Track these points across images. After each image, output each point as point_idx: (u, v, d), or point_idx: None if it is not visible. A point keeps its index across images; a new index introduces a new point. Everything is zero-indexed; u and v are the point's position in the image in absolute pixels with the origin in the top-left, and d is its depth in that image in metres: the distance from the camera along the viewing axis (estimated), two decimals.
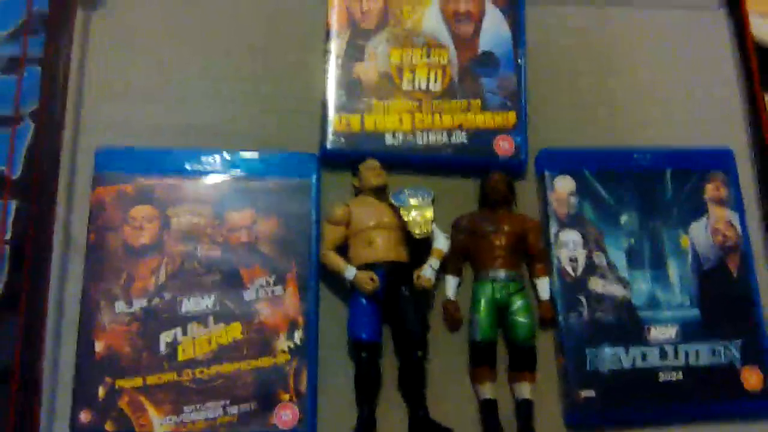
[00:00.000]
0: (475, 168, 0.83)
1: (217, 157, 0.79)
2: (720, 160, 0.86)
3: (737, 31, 0.94)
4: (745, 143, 0.89)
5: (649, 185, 0.83)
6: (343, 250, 0.77)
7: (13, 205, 0.81)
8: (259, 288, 0.74)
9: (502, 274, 0.77)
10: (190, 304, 0.73)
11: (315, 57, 0.85)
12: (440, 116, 0.83)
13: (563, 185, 0.82)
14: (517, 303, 0.76)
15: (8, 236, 0.79)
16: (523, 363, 0.75)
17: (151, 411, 0.70)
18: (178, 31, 0.86)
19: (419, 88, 0.84)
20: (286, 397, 0.72)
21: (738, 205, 0.84)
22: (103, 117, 0.81)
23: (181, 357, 0.72)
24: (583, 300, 0.78)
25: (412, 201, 0.78)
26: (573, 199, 0.82)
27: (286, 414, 0.71)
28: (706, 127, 0.89)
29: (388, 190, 0.79)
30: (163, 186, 0.77)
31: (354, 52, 0.85)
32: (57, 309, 0.74)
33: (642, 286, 0.79)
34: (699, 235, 0.82)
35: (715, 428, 0.77)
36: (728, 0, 0.95)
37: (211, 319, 0.73)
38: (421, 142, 0.82)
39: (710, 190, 0.84)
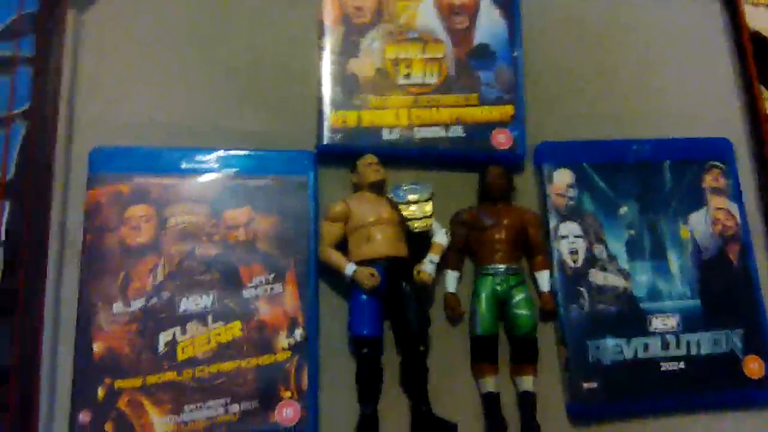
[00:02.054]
0: (473, 162, 0.82)
1: (214, 155, 0.78)
2: (718, 151, 0.86)
3: (732, 21, 0.94)
4: (743, 133, 0.90)
5: (647, 176, 0.83)
6: (342, 246, 0.76)
7: (7, 206, 0.80)
8: (258, 286, 0.74)
9: (502, 267, 0.77)
10: (188, 303, 0.73)
11: (311, 54, 0.85)
12: (437, 110, 0.83)
13: (562, 178, 0.82)
14: (518, 296, 0.76)
15: (2, 238, 0.78)
16: (525, 355, 0.75)
17: (152, 411, 0.69)
18: (171, 30, 0.85)
19: (415, 83, 0.84)
20: (288, 394, 0.71)
21: (737, 195, 0.84)
22: (96, 117, 0.81)
23: (180, 356, 0.71)
24: (584, 292, 0.78)
25: (411, 196, 0.77)
26: (572, 192, 0.81)
27: (288, 411, 0.71)
28: (704, 118, 0.89)
29: (387, 185, 0.79)
30: (160, 185, 0.76)
31: (348, 48, 0.84)
32: (54, 311, 0.73)
33: (642, 277, 0.79)
34: (698, 225, 0.82)
35: (718, 417, 0.77)
36: None
37: (210, 317, 0.73)
38: (418, 137, 0.82)
39: (709, 180, 0.84)
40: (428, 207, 0.77)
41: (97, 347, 0.71)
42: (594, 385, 0.75)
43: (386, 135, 0.82)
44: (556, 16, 0.91)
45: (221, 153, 0.78)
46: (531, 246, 0.79)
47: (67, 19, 0.84)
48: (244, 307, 0.73)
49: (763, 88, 0.93)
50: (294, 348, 0.72)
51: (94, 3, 0.85)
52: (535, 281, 0.79)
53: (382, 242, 0.75)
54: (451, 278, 0.78)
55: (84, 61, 0.83)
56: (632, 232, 0.81)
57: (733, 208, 0.84)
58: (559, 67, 0.89)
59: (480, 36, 0.87)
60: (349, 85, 0.83)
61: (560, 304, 0.77)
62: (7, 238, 0.78)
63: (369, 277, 0.73)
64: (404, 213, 0.76)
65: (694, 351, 0.77)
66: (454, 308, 0.77)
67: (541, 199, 0.82)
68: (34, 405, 0.70)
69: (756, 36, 0.97)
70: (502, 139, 0.83)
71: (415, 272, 0.75)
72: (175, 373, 0.71)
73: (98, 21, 0.84)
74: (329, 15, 0.85)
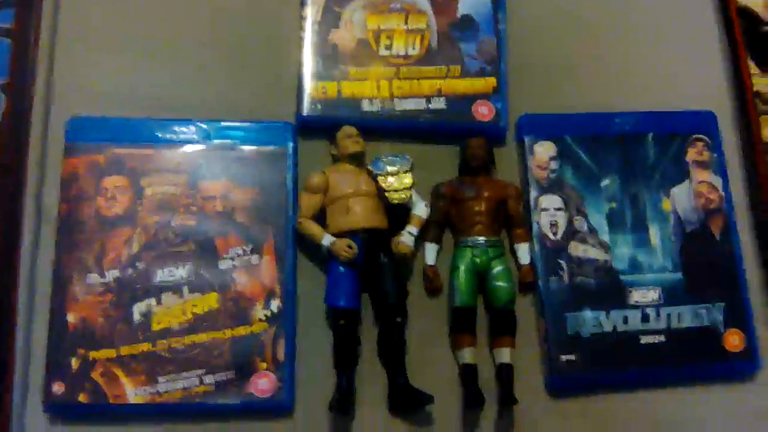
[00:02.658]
0: (455, 134, 0.81)
1: (192, 126, 0.78)
2: (703, 124, 0.85)
3: None
4: (728, 106, 0.88)
5: (630, 149, 0.82)
6: (320, 218, 0.76)
7: None
8: (234, 257, 0.73)
9: (481, 239, 0.76)
10: (164, 275, 0.72)
11: (291, 24, 0.83)
12: (418, 82, 0.82)
13: (543, 150, 0.81)
14: (497, 268, 0.75)
15: None
16: (504, 328, 0.75)
17: (125, 382, 0.69)
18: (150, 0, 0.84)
19: (397, 54, 0.83)
20: (264, 365, 0.71)
21: (721, 168, 0.83)
22: (74, 87, 0.80)
23: (155, 327, 0.71)
24: (564, 264, 0.77)
25: (390, 168, 0.77)
26: (553, 164, 0.81)
27: (264, 382, 0.70)
28: (689, 91, 0.88)
29: (366, 157, 0.78)
30: (136, 156, 0.75)
31: (330, 19, 0.83)
32: (29, 281, 0.73)
33: (624, 249, 0.79)
34: (681, 198, 0.82)
35: (697, 390, 0.77)
36: None
37: (185, 288, 0.72)
38: (399, 109, 0.81)
39: (693, 153, 0.83)
40: (407, 179, 0.76)
41: (71, 318, 0.70)
42: (572, 357, 0.74)
43: (366, 106, 0.81)
44: None
45: (199, 124, 0.78)
46: (511, 218, 0.79)
47: None
48: (220, 278, 0.73)
49: (750, 63, 0.92)
50: (270, 319, 0.72)
51: None
52: (514, 254, 0.78)
53: (361, 214, 0.74)
54: (430, 251, 0.77)
55: (62, 32, 0.82)
56: (613, 204, 0.80)
57: (717, 181, 0.83)
58: (542, 39, 0.88)
59: (463, 7, 0.85)
60: (330, 56, 0.82)
61: (539, 277, 0.77)
62: None
63: (346, 249, 0.72)
64: (383, 185, 0.76)
65: (674, 324, 0.77)
66: (432, 281, 0.76)
67: (522, 172, 0.81)
68: (7, 376, 0.69)
69: (744, 10, 0.96)
70: (483, 111, 0.82)
71: (393, 244, 0.74)
72: (149, 344, 0.70)
73: None
74: None
